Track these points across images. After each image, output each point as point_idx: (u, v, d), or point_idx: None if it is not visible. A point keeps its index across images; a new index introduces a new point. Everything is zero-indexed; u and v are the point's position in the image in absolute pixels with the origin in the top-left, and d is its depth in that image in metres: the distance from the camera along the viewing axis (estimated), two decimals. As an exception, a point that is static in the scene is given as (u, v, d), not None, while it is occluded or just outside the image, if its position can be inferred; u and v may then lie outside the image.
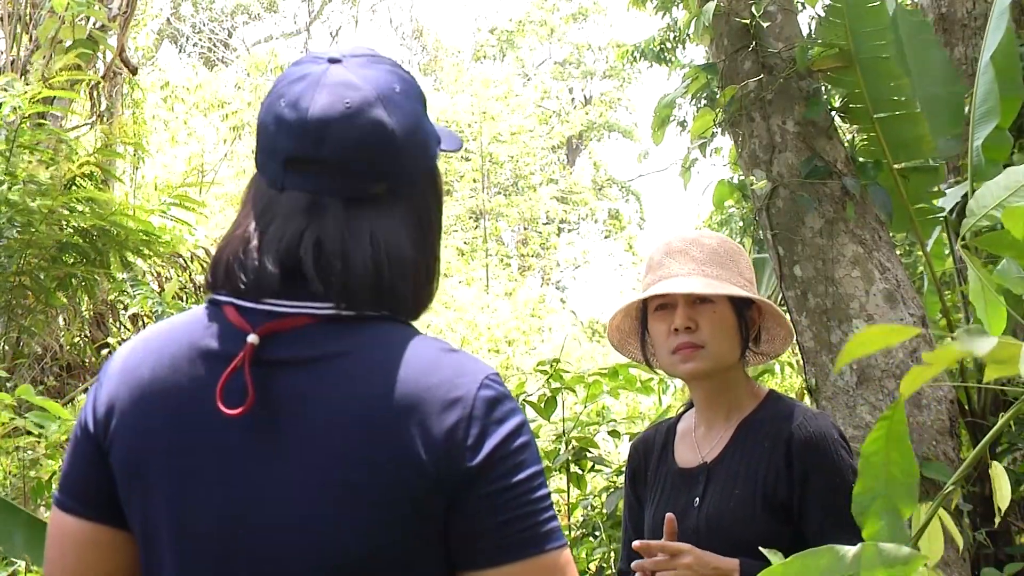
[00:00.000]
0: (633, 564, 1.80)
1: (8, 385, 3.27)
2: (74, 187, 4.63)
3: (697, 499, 1.88)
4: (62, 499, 1.16)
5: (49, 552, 1.17)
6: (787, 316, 2.10)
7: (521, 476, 1.07)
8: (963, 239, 2.69)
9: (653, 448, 2.03)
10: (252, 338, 1.08)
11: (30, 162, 4.49)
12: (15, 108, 4.29)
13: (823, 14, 3.57)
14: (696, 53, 11.42)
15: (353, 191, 1.12)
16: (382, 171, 1.13)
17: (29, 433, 3.37)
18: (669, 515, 1.80)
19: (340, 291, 1.09)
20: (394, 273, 1.12)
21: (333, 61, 1.14)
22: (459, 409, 1.06)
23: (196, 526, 1.08)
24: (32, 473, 3.49)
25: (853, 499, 1.26)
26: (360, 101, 1.11)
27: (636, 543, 1.79)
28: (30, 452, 3.51)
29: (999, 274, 2.19)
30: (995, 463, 1.55)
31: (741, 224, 6.34)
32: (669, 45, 10.42)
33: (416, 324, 1.17)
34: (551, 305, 15.86)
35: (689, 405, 2.06)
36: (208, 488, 1.08)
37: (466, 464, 1.05)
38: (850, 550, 0.91)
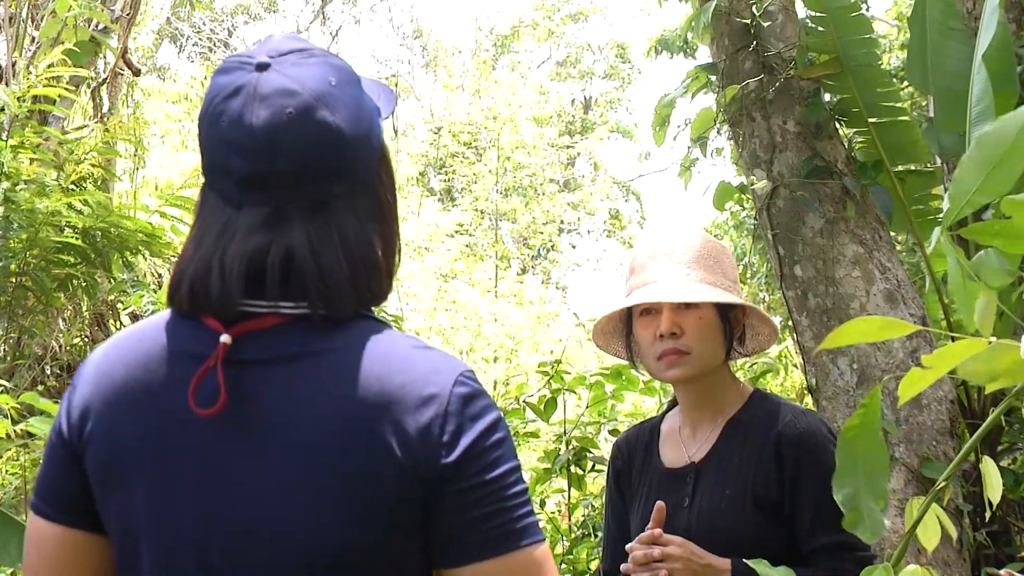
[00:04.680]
0: (622, 567, 1.79)
1: (7, 386, 3.27)
2: (74, 188, 4.63)
3: (686, 499, 1.87)
4: (38, 504, 1.16)
5: (27, 557, 1.17)
6: (775, 314, 2.09)
7: (497, 472, 1.07)
8: (948, 229, 2.63)
9: (637, 448, 2.03)
10: (225, 338, 1.08)
11: (32, 162, 4.50)
12: (4, 107, 4.29)
13: (811, 23, 3.58)
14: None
15: (313, 197, 1.11)
16: (338, 171, 1.12)
17: (31, 435, 3.38)
18: (659, 503, 1.78)
19: (316, 300, 1.09)
20: (369, 274, 1.13)
21: (262, 67, 1.11)
22: (435, 406, 1.06)
23: (173, 526, 1.08)
24: (32, 475, 3.49)
25: (833, 480, 1.28)
26: (301, 107, 1.08)
27: (629, 546, 1.79)
28: (34, 453, 3.51)
29: (974, 265, 2.09)
30: (987, 458, 1.54)
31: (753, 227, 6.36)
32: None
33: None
34: (555, 307, 15.82)
35: (672, 404, 2.06)
36: (184, 488, 1.08)
37: (442, 461, 1.05)
38: None
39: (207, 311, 1.10)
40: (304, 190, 1.10)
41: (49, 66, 4.66)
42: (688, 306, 1.87)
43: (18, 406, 3.19)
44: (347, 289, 1.10)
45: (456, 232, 16.30)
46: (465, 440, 1.06)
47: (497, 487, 1.07)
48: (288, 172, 1.09)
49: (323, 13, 19.44)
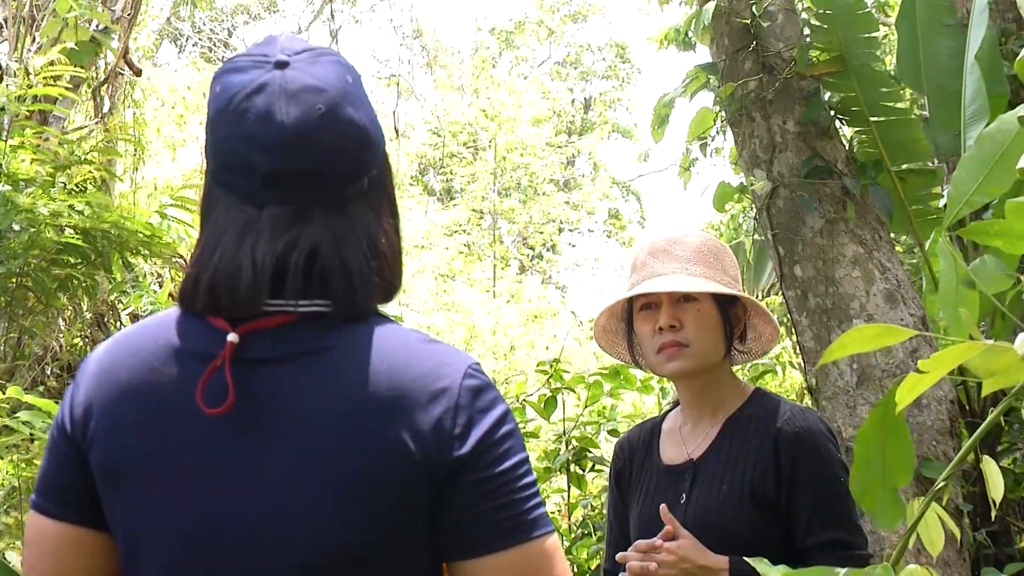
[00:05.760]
0: (618, 556, 1.81)
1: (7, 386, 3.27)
2: (76, 189, 4.63)
3: (684, 495, 1.88)
4: (39, 502, 1.16)
5: (28, 555, 1.16)
6: (773, 313, 2.09)
7: (508, 464, 1.08)
8: (947, 230, 2.63)
9: (638, 446, 2.04)
10: (232, 337, 1.08)
11: (32, 162, 4.49)
12: (4, 107, 4.28)
13: (815, 21, 3.58)
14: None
15: (335, 194, 1.11)
16: (360, 169, 1.13)
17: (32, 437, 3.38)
18: (662, 507, 1.80)
19: (342, 297, 1.09)
20: (391, 268, 1.14)
21: (282, 65, 1.10)
22: (445, 399, 1.07)
23: (181, 525, 1.08)
24: (26, 473, 3.48)
25: (851, 478, 1.28)
26: (329, 104, 1.09)
27: (619, 556, 1.80)
28: (27, 452, 3.51)
29: (973, 270, 2.07)
30: (987, 457, 1.55)
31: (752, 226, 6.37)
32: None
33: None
34: (553, 306, 15.83)
35: (675, 403, 2.07)
36: (192, 487, 1.07)
37: (454, 453, 1.05)
38: (840, 572, 0.91)
39: (227, 311, 1.09)
40: (327, 187, 1.11)
41: (49, 65, 4.66)
42: (687, 300, 1.88)
43: (7, 404, 3.18)
44: (371, 285, 1.11)
45: (454, 231, 16.31)
46: (476, 433, 1.07)
47: (508, 479, 1.07)
48: (313, 170, 1.09)
49: (331, 11, 19.43)
